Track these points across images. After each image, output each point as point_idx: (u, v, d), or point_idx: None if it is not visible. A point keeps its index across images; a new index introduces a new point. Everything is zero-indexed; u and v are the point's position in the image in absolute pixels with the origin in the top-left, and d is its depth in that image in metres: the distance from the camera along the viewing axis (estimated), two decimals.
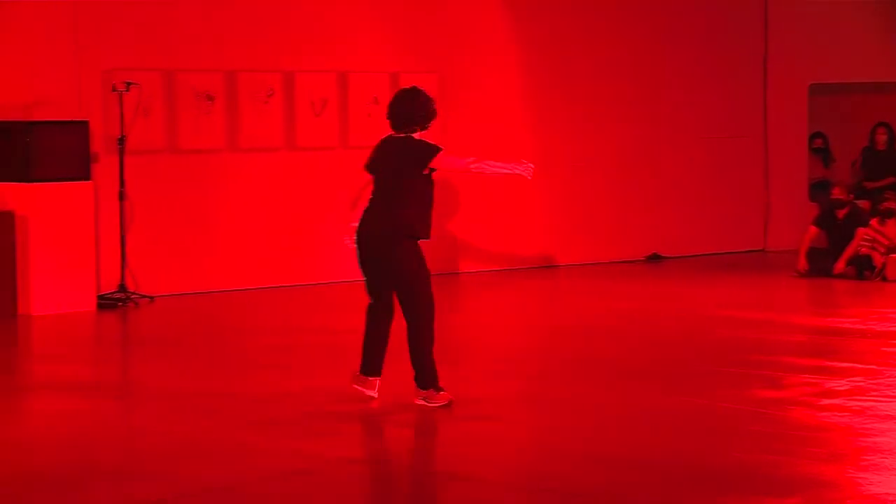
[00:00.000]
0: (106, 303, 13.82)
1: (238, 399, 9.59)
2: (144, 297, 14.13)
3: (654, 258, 17.51)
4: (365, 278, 9.38)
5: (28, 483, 7.61)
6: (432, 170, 9.27)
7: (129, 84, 13.94)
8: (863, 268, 15.33)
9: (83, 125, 13.76)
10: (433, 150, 9.26)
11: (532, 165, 9.35)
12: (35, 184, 13.39)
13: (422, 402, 9.18)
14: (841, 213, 15.69)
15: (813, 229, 15.80)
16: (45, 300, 13.37)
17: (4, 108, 13.56)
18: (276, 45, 15.15)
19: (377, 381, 9.36)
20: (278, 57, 15.15)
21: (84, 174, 13.74)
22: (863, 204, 16.47)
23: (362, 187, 9.49)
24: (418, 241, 9.27)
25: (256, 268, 15.05)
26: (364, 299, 9.40)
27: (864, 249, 15.35)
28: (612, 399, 9.56)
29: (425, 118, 9.38)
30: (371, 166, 9.44)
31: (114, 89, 13.97)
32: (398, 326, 9.36)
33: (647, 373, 10.43)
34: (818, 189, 17.98)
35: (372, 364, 9.37)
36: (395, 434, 8.83)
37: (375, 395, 9.33)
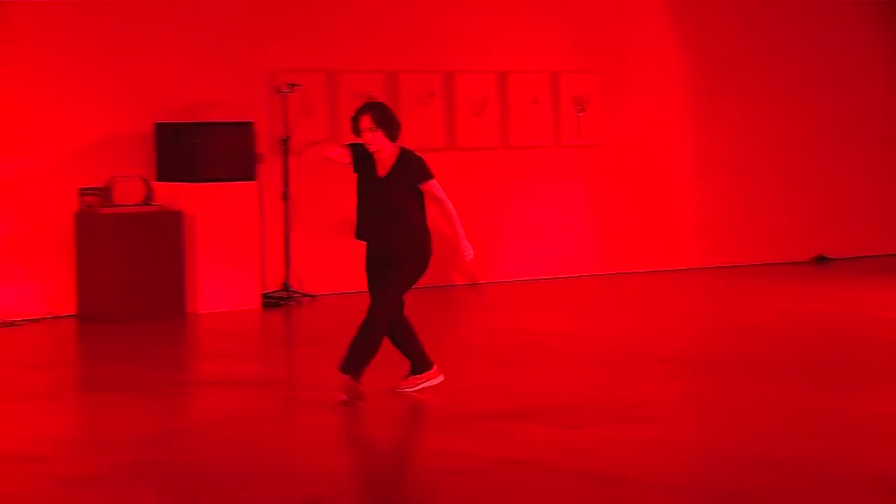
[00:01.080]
0: (270, 301, 14.03)
1: (398, 397, 9.66)
2: (307, 295, 14.31)
3: (821, 259, 17.25)
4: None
5: (194, 479, 7.75)
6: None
7: (293, 85, 14.13)
8: None
9: (249, 126, 13.98)
10: None
11: (472, 253, 9.74)
12: (203, 184, 13.64)
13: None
14: None
15: None
16: (212, 298, 13.61)
17: (175, 111, 13.82)
18: (435, 45, 15.24)
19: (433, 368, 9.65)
20: (438, 57, 15.23)
21: (249, 174, 13.95)
22: None
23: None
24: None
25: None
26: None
27: None
28: (776, 401, 9.45)
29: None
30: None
31: (278, 91, 14.18)
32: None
33: (813, 375, 10.29)
34: None
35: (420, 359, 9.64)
36: (554, 435, 8.82)
37: (441, 378, 9.62)
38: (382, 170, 9.46)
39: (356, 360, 9.34)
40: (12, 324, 12.99)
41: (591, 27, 16.05)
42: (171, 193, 13.65)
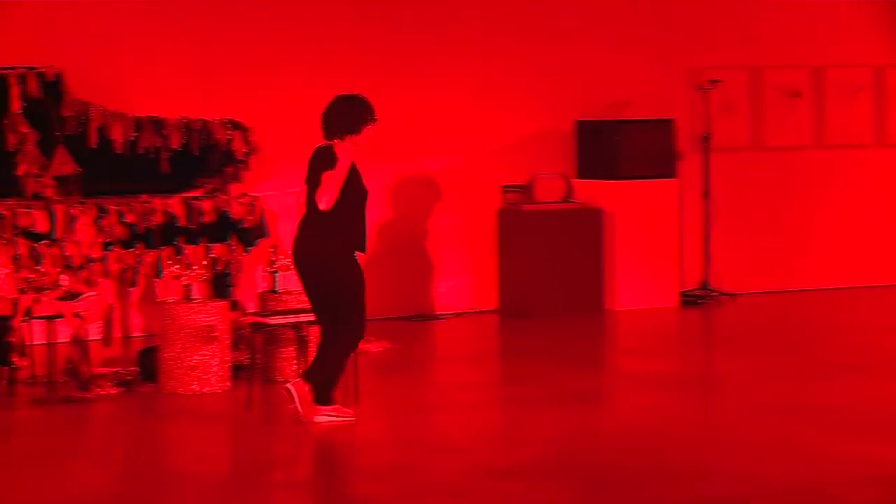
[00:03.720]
0: (688, 299, 13.92)
1: (817, 400, 9.42)
2: (727, 294, 14.12)
3: None
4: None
5: (612, 477, 7.75)
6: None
7: (714, 82, 13.98)
8: None
9: (669, 123, 13.91)
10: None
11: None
12: (622, 181, 13.64)
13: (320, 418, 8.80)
14: None
15: None
16: (630, 295, 13.60)
17: (596, 108, 13.88)
18: (864, 40, 14.77)
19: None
20: (867, 52, 14.76)
21: (669, 172, 13.88)
22: None
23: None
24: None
25: (844, 266, 14.73)
26: None
27: None
28: None
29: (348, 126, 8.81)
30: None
31: (699, 87, 14.05)
32: None
33: None
34: None
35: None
36: None
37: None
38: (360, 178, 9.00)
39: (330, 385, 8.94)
40: (438, 317, 13.34)
41: None
42: (591, 191, 13.71)
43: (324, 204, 8.71)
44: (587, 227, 13.55)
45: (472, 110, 13.59)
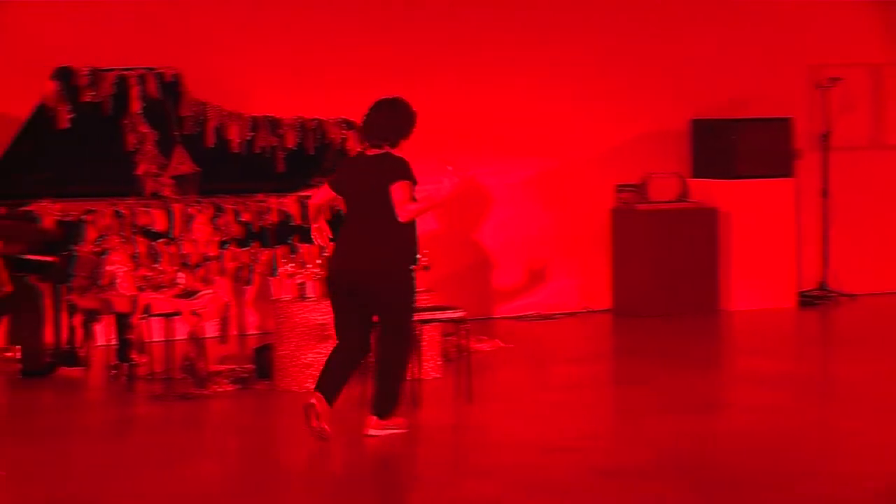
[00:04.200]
0: (806, 300, 13.75)
1: None
2: (846, 295, 13.94)
3: None
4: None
5: (724, 478, 7.68)
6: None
7: (834, 80, 13.80)
8: None
9: (787, 122, 13.75)
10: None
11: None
12: (739, 180, 13.52)
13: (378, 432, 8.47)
14: None
15: None
16: (746, 296, 13.47)
17: (711, 107, 13.77)
18: None
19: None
20: None
21: (787, 171, 13.73)
22: None
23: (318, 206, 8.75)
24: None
25: None
26: None
27: None
28: None
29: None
30: (339, 187, 8.59)
31: (819, 85, 13.88)
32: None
33: None
34: None
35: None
36: None
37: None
38: None
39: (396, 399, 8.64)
40: (550, 317, 13.31)
41: None
42: (706, 190, 13.59)
43: (405, 215, 8.31)
44: (702, 226, 13.44)
45: (586, 109, 13.53)
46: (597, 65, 13.55)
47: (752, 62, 13.94)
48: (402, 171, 8.38)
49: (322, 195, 8.75)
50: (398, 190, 8.32)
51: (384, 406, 8.48)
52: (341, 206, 8.88)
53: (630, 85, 13.65)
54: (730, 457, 8.09)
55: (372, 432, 8.48)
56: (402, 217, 8.33)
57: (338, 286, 8.46)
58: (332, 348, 8.55)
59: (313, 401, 8.37)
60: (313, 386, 8.42)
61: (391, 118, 8.51)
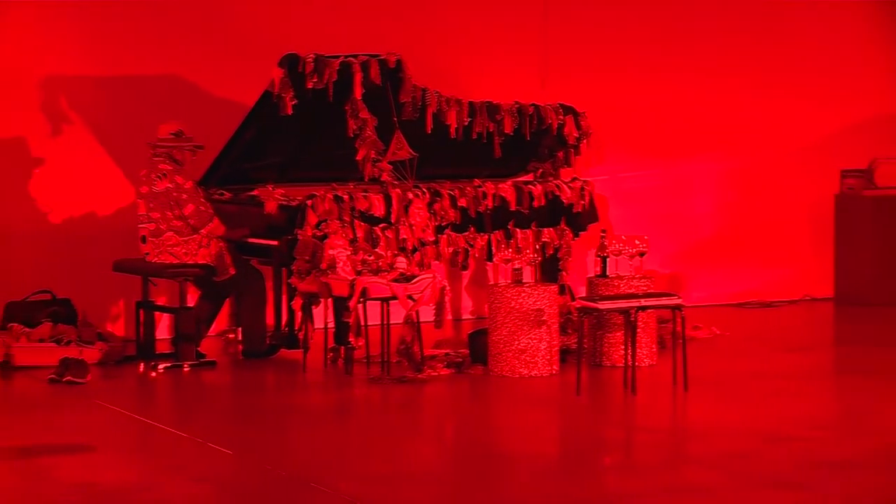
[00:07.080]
0: None
1: None
2: None
3: None
4: None
5: None
6: None
7: None
8: None
9: None
10: None
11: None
12: None
13: None
14: None
15: None
16: None
17: None
18: None
19: None
20: None
21: None
22: None
23: None
24: None
25: None
26: None
27: None
28: None
29: None
30: None
31: None
32: None
33: None
34: None
35: None
36: None
37: None
38: None
39: None
40: (770, 304, 13.11)
41: None
42: None
43: None
44: None
45: (811, 93, 13.29)
46: (824, 48, 13.29)
47: None
48: None
49: None
50: None
51: None
52: None
53: (858, 67, 13.34)
54: None
55: None
56: None
57: None
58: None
59: None
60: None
61: None
